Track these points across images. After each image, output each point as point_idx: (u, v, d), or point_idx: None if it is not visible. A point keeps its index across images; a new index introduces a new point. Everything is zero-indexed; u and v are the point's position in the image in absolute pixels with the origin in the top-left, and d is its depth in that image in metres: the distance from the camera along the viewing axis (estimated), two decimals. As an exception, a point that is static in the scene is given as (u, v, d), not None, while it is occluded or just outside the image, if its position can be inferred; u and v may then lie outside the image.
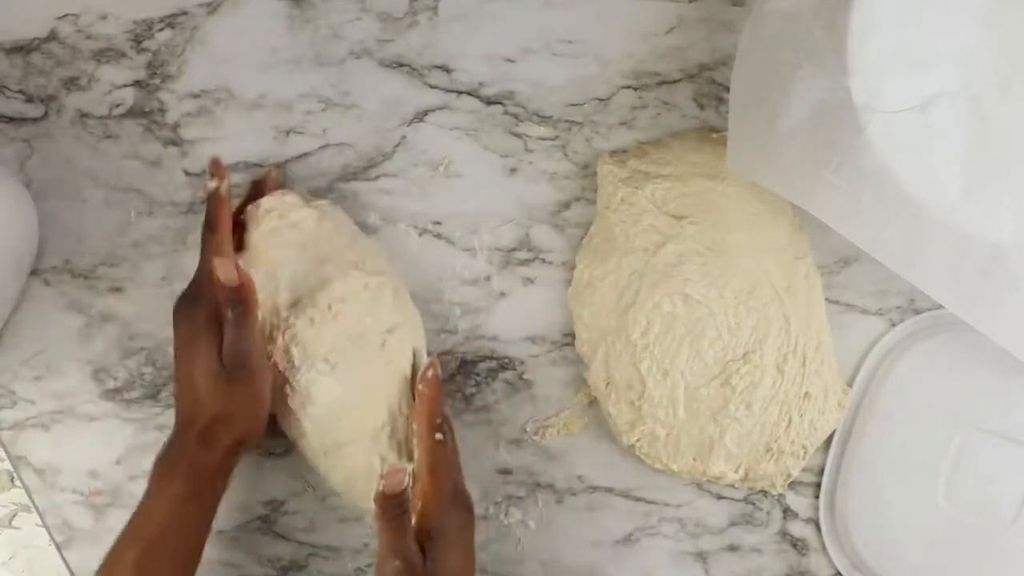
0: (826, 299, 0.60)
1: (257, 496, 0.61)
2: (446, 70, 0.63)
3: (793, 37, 0.52)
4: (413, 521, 0.50)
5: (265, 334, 0.55)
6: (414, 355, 0.57)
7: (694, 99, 0.62)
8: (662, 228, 0.57)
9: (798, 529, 0.62)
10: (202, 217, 0.55)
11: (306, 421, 0.55)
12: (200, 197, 0.61)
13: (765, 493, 0.61)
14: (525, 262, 0.62)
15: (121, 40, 0.63)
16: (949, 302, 0.51)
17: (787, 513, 0.62)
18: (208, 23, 0.63)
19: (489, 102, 0.63)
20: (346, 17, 0.63)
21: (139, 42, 0.63)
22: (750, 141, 0.54)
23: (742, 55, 0.56)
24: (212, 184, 0.55)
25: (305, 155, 0.62)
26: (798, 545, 0.62)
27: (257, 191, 0.59)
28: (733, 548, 0.62)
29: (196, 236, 0.56)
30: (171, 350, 0.54)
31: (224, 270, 0.51)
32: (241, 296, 0.52)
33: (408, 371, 0.57)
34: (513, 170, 0.62)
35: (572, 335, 0.61)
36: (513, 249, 0.62)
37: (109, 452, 0.62)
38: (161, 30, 0.63)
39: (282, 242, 0.56)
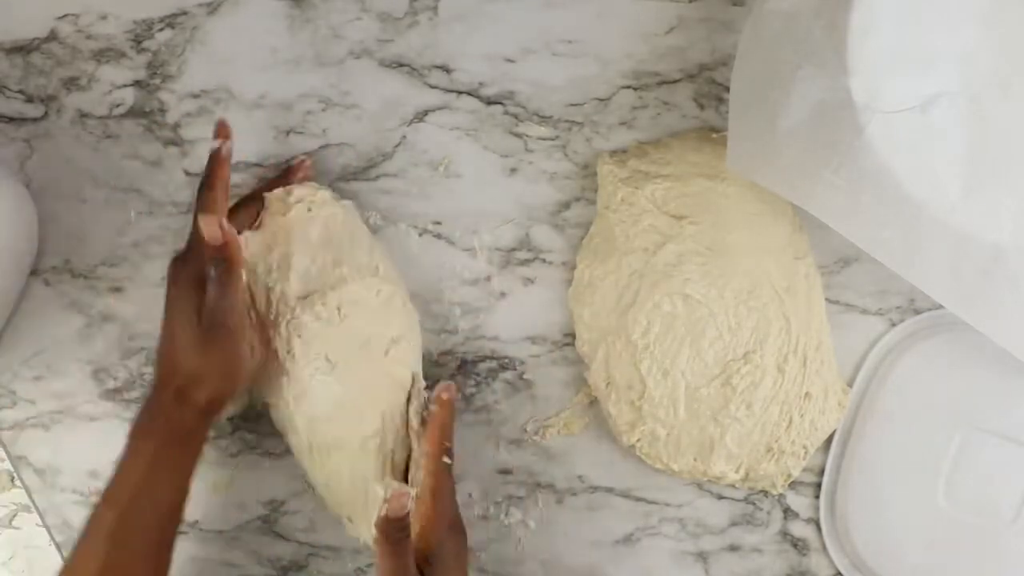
0: (826, 299, 0.60)
1: (257, 496, 0.61)
2: (446, 70, 0.63)
3: (793, 37, 0.52)
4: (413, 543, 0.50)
5: (270, 319, 0.55)
6: (412, 378, 0.57)
7: (694, 99, 0.62)
8: (662, 228, 0.57)
9: (798, 529, 0.62)
10: None
11: (299, 416, 0.55)
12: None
13: (765, 493, 0.61)
14: (525, 262, 0.62)
15: (121, 40, 0.63)
16: (949, 302, 0.51)
17: (787, 513, 0.62)
18: (208, 23, 0.63)
19: (489, 102, 0.63)
20: (346, 17, 0.63)
21: (139, 42, 0.63)
22: (750, 141, 0.54)
23: (742, 55, 0.56)
24: (216, 144, 0.55)
25: (306, 155, 0.62)
26: (798, 545, 0.62)
27: (286, 176, 0.59)
28: (733, 548, 0.62)
29: None
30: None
31: (208, 227, 0.50)
32: (225, 255, 0.51)
33: (406, 382, 0.57)
34: (513, 170, 0.62)
35: (572, 335, 0.61)
36: (513, 249, 0.62)
37: (109, 452, 0.61)
38: (161, 30, 0.63)
39: (304, 233, 0.56)
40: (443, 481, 0.53)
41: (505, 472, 0.62)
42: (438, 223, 0.62)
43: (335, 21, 0.63)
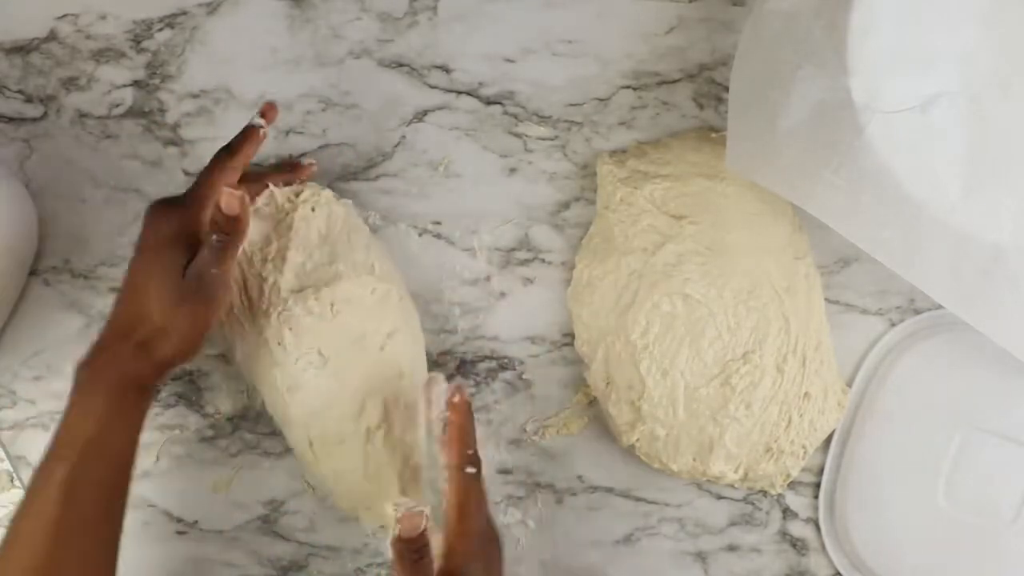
0: (826, 299, 0.60)
1: (257, 496, 0.61)
2: (446, 70, 0.63)
3: (793, 37, 0.52)
4: (438, 563, 0.47)
5: (261, 308, 0.55)
6: (430, 380, 0.57)
7: (694, 99, 0.62)
8: (661, 228, 0.57)
9: (798, 529, 0.62)
10: None
11: (294, 409, 0.55)
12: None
13: (765, 493, 0.61)
14: (525, 262, 0.62)
15: (121, 40, 0.63)
16: (949, 302, 0.51)
17: (787, 513, 0.62)
18: (208, 23, 0.63)
19: (489, 102, 0.63)
20: (346, 17, 0.63)
21: (139, 42, 0.63)
22: (750, 141, 0.54)
23: (742, 55, 0.56)
24: (257, 120, 0.54)
25: (305, 155, 0.62)
26: (798, 545, 0.62)
27: (291, 171, 0.59)
28: (733, 548, 0.62)
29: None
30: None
31: (231, 198, 0.50)
32: (236, 228, 0.51)
33: (406, 369, 0.57)
34: (513, 170, 0.62)
35: (572, 335, 0.61)
36: (513, 249, 0.62)
37: (109, 452, 0.62)
38: (161, 30, 0.63)
39: (304, 231, 0.56)
40: (469, 493, 0.49)
41: (504, 472, 0.62)
42: (438, 223, 0.62)
43: (335, 21, 0.63)
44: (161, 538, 0.61)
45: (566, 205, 0.62)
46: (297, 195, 0.57)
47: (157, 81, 0.63)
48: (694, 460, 0.57)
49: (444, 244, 0.62)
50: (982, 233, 0.49)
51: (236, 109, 0.62)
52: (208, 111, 0.63)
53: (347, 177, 0.62)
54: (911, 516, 0.59)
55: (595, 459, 0.62)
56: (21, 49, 0.63)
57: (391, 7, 0.63)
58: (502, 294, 0.62)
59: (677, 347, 0.56)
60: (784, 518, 0.62)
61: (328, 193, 0.58)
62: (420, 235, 0.62)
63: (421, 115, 0.63)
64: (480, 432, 0.61)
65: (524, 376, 0.62)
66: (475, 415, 0.61)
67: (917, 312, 0.61)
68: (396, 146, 0.63)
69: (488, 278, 0.62)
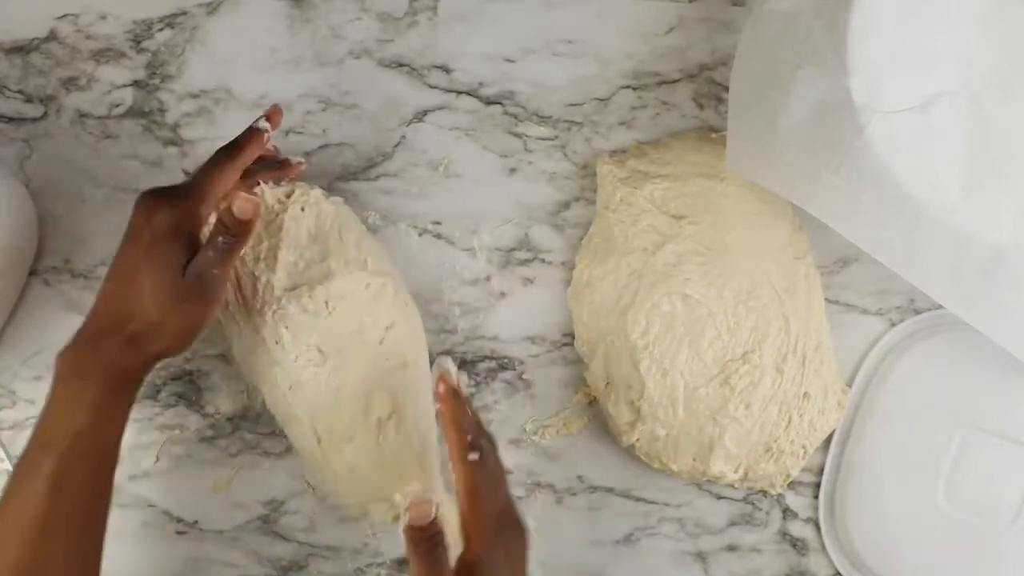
0: (826, 299, 0.60)
1: (257, 496, 0.61)
2: (446, 70, 0.63)
3: (793, 37, 0.52)
4: (455, 551, 0.46)
5: (256, 306, 0.55)
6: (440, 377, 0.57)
7: (694, 99, 0.62)
8: (661, 228, 0.57)
9: (798, 529, 0.62)
10: None
11: (297, 406, 0.55)
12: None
13: (765, 493, 0.61)
14: (525, 262, 0.62)
15: (121, 40, 0.63)
16: (949, 302, 0.51)
17: (787, 513, 0.62)
18: (208, 23, 0.63)
19: (489, 102, 0.63)
20: (346, 17, 0.63)
21: (139, 42, 0.63)
22: (750, 141, 0.54)
23: (742, 55, 0.56)
24: (262, 124, 0.54)
25: (305, 155, 0.62)
26: (798, 545, 0.62)
27: (280, 170, 0.58)
28: (733, 548, 0.62)
29: None
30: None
31: (247, 203, 0.50)
32: (245, 231, 0.51)
33: (409, 359, 0.57)
34: (513, 170, 0.62)
35: (572, 335, 0.61)
36: (513, 249, 0.62)
37: (109, 452, 0.62)
38: (161, 30, 0.63)
39: (295, 230, 0.56)
40: (477, 481, 0.47)
41: (504, 472, 0.61)
42: (438, 223, 0.62)
43: (335, 21, 0.63)
44: (161, 538, 0.61)
45: (566, 205, 0.62)
46: (288, 196, 0.57)
47: (157, 81, 0.63)
48: (694, 460, 0.57)
49: (444, 244, 0.62)
50: (982, 233, 0.49)
51: (236, 109, 0.62)
52: (208, 111, 0.63)
53: (347, 177, 0.62)
54: (911, 516, 0.59)
55: (595, 459, 0.62)
56: (21, 49, 0.63)
57: (391, 7, 0.63)
58: (502, 294, 0.62)
59: (677, 347, 0.56)
60: (784, 518, 0.62)
61: (317, 192, 0.58)
62: (420, 235, 0.62)
63: (421, 115, 0.63)
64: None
65: (524, 376, 0.62)
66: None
67: (917, 312, 0.61)
68: (396, 146, 0.63)
69: (488, 278, 0.62)
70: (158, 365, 0.52)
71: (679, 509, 0.62)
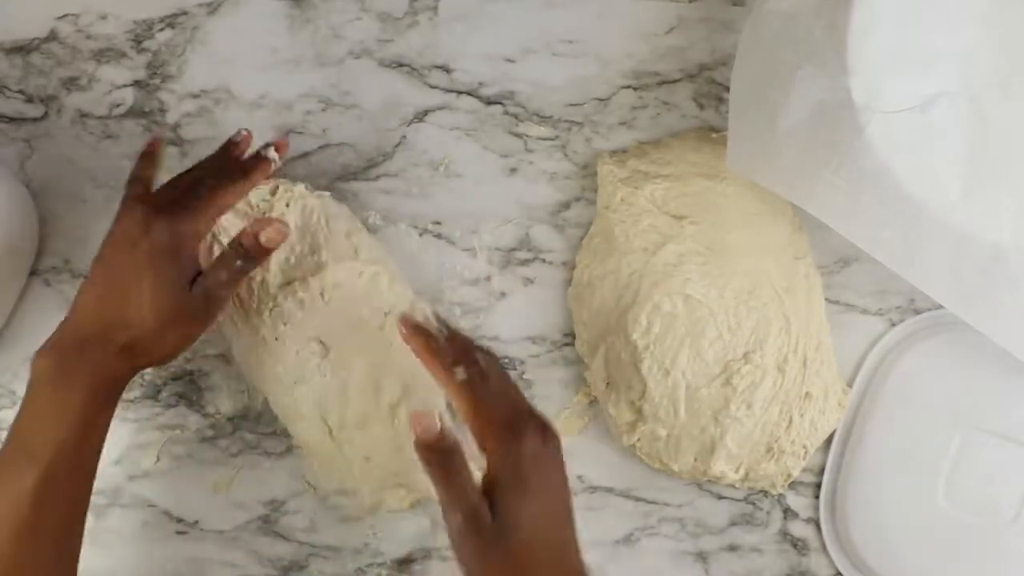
0: (826, 299, 0.60)
1: (257, 496, 0.61)
2: (446, 70, 0.63)
3: (793, 37, 0.52)
4: (477, 469, 0.44)
5: (252, 306, 0.56)
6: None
7: (694, 99, 0.62)
8: (662, 228, 0.57)
9: (798, 529, 0.62)
10: None
11: (302, 400, 0.55)
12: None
13: (765, 493, 0.61)
14: (525, 262, 0.62)
15: (121, 40, 0.63)
16: (949, 302, 0.51)
17: (787, 513, 0.62)
18: (208, 23, 0.63)
19: (489, 102, 0.63)
20: (346, 17, 0.63)
21: (139, 42, 0.63)
22: (750, 141, 0.54)
23: (742, 55, 0.56)
24: (271, 154, 0.54)
25: (305, 155, 0.62)
26: (798, 545, 0.62)
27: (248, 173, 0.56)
28: (733, 548, 0.62)
29: None
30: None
31: (275, 234, 0.51)
32: (266, 256, 0.52)
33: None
34: (513, 170, 0.62)
35: (572, 335, 0.61)
36: (513, 249, 0.62)
37: (109, 452, 0.61)
38: (161, 30, 0.63)
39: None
40: (473, 396, 0.45)
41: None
42: (438, 223, 0.62)
43: (335, 21, 0.63)
44: (161, 538, 0.61)
45: (566, 205, 0.62)
46: (273, 193, 0.57)
47: (157, 81, 0.63)
48: (695, 460, 0.57)
49: (444, 244, 0.62)
50: (982, 233, 0.49)
51: (236, 109, 0.62)
52: (208, 111, 0.63)
53: (347, 177, 0.62)
54: (911, 516, 0.59)
55: (595, 459, 0.62)
56: (22, 49, 0.63)
57: (391, 7, 0.63)
58: (502, 294, 0.62)
59: (678, 347, 0.56)
60: (785, 518, 0.62)
61: (300, 187, 0.58)
62: (420, 235, 0.62)
63: (421, 115, 0.63)
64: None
65: (524, 376, 0.62)
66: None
67: (917, 312, 0.61)
68: (396, 146, 0.63)
69: (488, 278, 0.62)
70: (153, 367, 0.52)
71: (680, 509, 0.62)
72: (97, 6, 0.63)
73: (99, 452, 0.49)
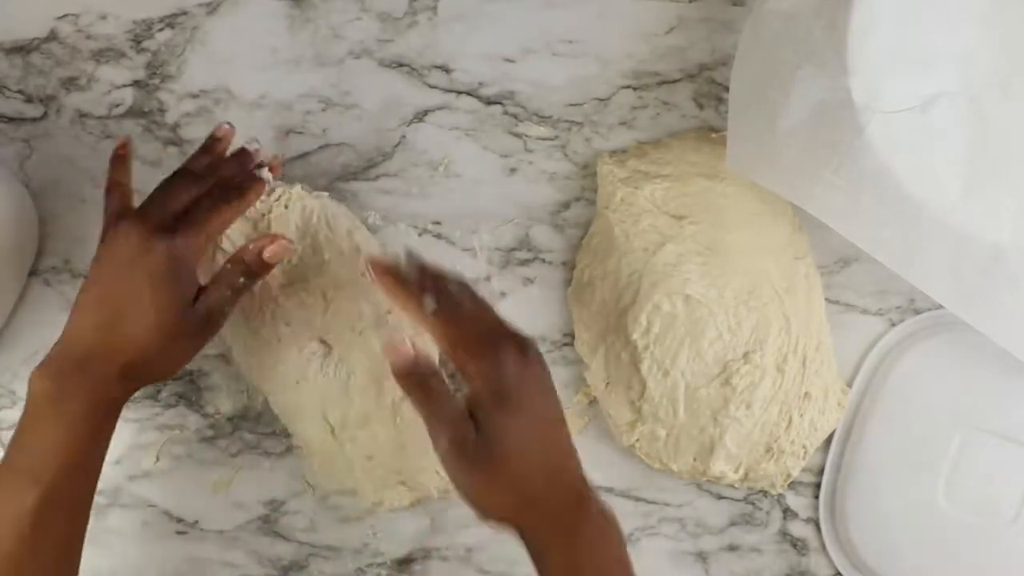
0: (826, 299, 0.60)
1: (257, 496, 0.61)
2: (446, 70, 0.63)
3: (793, 37, 0.52)
4: (462, 393, 0.44)
5: (254, 308, 0.56)
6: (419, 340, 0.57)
7: (694, 99, 0.62)
8: (662, 228, 0.57)
9: (798, 529, 0.62)
10: None
11: (305, 400, 0.55)
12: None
13: (765, 493, 0.61)
14: (525, 262, 0.62)
15: (121, 40, 0.63)
16: (949, 302, 0.51)
17: (787, 513, 0.62)
18: (208, 23, 0.63)
19: (489, 102, 0.63)
20: (346, 17, 0.63)
21: (139, 42, 0.63)
22: (750, 141, 0.54)
23: (742, 55, 0.56)
24: (266, 175, 0.53)
25: (305, 155, 0.62)
26: (798, 545, 0.62)
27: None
28: (733, 548, 0.62)
29: None
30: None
31: (281, 251, 0.51)
32: (268, 271, 0.52)
33: (415, 340, 0.57)
34: (513, 170, 0.62)
35: (572, 335, 0.61)
36: (513, 249, 0.62)
37: (109, 452, 0.62)
38: (161, 30, 0.63)
39: (283, 228, 0.57)
40: (444, 323, 0.45)
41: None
42: (438, 223, 0.62)
43: (335, 21, 0.63)
44: (161, 538, 0.61)
45: (566, 205, 0.62)
46: (268, 195, 0.57)
47: (157, 81, 0.63)
48: (695, 460, 0.57)
49: (444, 244, 0.62)
50: (982, 233, 0.49)
51: (236, 109, 0.62)
52: (208, 111, 0.63)
53: (347, 177, 0.62)
54: (911, 516, 0.59)
55: (595, 459, 0.61)
56: (21, 49, 0.63)
57: (391, 7, 0.63)
58: (502, 294, 0.62)
59: (678, 347, 0.56)
60: (784, 518, 0.62)
61: (298, 189, 0.58)
62: (420, 235, 0.62)
63: (421, 115, 0.63)
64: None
65: (524, 376, 0.62)
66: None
67: (917, 312, 0.61)
68: (396, 146, 0.63)
69: (488, 278, 0.62)
70: None
71: (679, 509, 0.62)
72: (97, 6, 0.63)
73: (99, 471, 0.49)
